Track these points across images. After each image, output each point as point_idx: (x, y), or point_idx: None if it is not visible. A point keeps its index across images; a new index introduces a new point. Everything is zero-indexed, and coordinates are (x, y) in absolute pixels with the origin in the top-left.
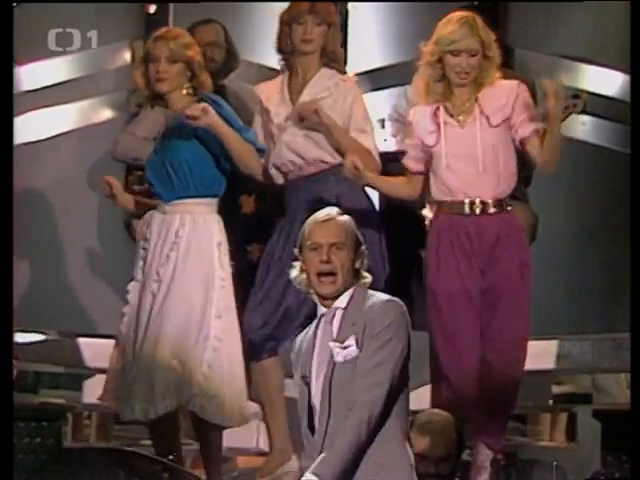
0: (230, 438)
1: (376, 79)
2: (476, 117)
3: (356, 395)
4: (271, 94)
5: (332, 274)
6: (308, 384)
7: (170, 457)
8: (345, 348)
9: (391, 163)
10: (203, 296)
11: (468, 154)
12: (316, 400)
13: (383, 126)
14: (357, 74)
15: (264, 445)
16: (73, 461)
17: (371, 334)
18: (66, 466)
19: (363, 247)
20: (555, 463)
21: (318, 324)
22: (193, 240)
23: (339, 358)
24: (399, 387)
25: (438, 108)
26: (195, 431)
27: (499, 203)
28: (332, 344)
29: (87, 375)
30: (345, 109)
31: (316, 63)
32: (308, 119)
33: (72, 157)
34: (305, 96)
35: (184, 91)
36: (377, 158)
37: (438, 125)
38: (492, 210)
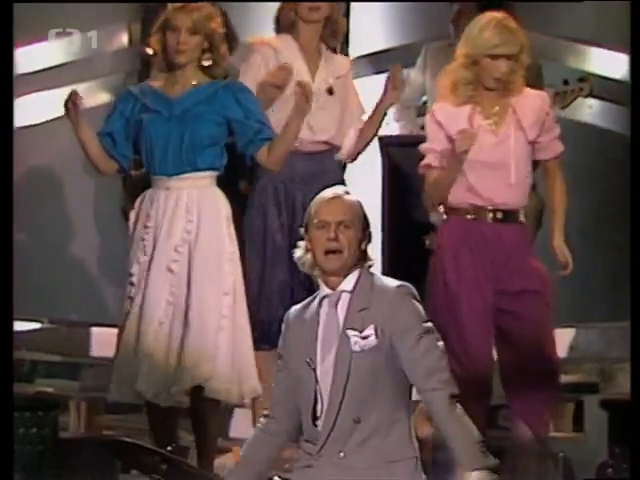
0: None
1: (378, 62)
2: (510, 126)
3: (430, 384)
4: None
5: (339, 251)
6: (314, 369)
7: (169, 448)
8: (364, 338)
9: (392, 147)
10: (216, 272)
11: (500, 163)
12: (322, 387)
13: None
14: (359, 57)
15: None
16: (70, 452)
17: (405, 326)
18: (63, 457)
19: (370, 229)
20: (562, 454)
21: (320, 306)
22: (204, 214)
23: (356, 347)
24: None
25: (471, 110)
26: (194, 416)
27: (520, 213)
28: (351, 332)
29: (84, 364)
30: (351, 89)
31: (317, 35)
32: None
33: (68, 141)
34: (323, 71)
35: (204, 62)
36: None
37: (470, 127)
38: (513, 219)
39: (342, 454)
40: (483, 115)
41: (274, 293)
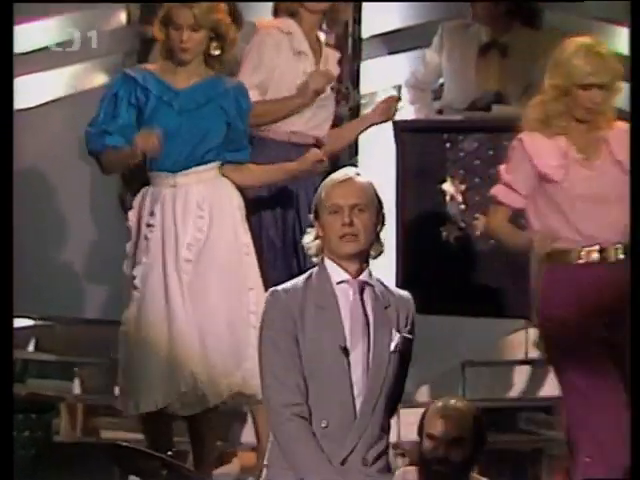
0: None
1: (392, 42)
2: (606, 159)
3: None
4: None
5: (354, 236)
6: (347, 357)
7: (169, 453)
8: (404, 339)
9: (406, 133)
10: (238, 267)
11: (600, 197)
12: (355, 379)
13: (399, 93)
14: (372, 36)
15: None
16: (64, 456)
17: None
18: (57, 462)
19: (383, 211)
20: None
21: (333, 290)
22: (215, 208)
23: (396, 347)
24: None
25: (563, 142)
26: (194, 425)
27: (622, 251)
28: (394, 331)
29: (79, 364)
30: None
31: (318, 24)
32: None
33: (64, 126)
34: (325, 56)
35: (213, 52)
36: None
37: (565, 160)
38: (617, 258)
39: (366, 463)
40: (576, 148)
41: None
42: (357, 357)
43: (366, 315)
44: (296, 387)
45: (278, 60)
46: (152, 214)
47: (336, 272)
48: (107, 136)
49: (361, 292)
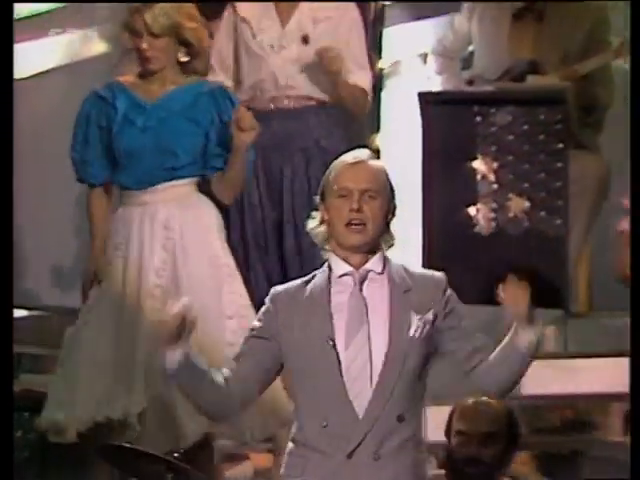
0: None
1: (417, 8)
2: None
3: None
4: (250, 5)
5: (362, 224)
6: (337, 353)
7: (175, 455)
8: (426, 323)
9: (433, 105)
10: (213, 294)
11: None
12: (351, 376)
13: (425, 62)
14: (397, 1)
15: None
16: (60, 459)
17: (450, 308)
18: (52, 464)
19: (395, 200)
20: None
21: (329, 284)
22: (187, 229)
23: (416, 333)
24: None
25: None
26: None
27: None
28: (413, 314)
29: None
30: (344, 37)
31: None
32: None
33: (60, 96)
34: (299, 15)
35: (181, 58)
36: (370, 98)
37: None
38: None
39: (378, 456)
40: None
41: (260, 280)
42: (354, 349)
43: (366, 306)
44: (231, 368)
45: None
46: (118, 234)
47: (339, 266)
48: (88, 167)
49: (362, 282)
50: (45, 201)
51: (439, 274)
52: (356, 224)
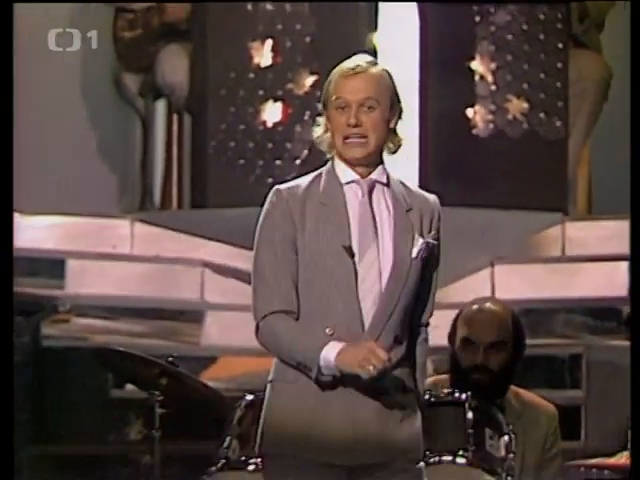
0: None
1: None
2: None
3: (426, 319)
4: None
5: (362, 137)
6: (352, 257)
7: (169, 359)
8: (429, 245)
9: (430, 4)
10: None
11: None
12: (364, 288)
13: None
14: None
15: None
16: (53, 363)
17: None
18: (46, 369)
19: (400, 103)
20: None
21: (341, 190)
22: None
23: (418, 254)
24: None
25: None
26: None
27: None
28: (417, 236)
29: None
30: None
31: None
32: None
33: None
34: None
35: None
36: None
37: None
38: None
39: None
40: None
41: None
42: (368, 261)
43: (374, 218)
44: (286, 295)
45: None
46: None
47: (344, 172)
48: None
49: (370, 193)
50: (36, 114)
51: (434, 197)
52: (356, 138)
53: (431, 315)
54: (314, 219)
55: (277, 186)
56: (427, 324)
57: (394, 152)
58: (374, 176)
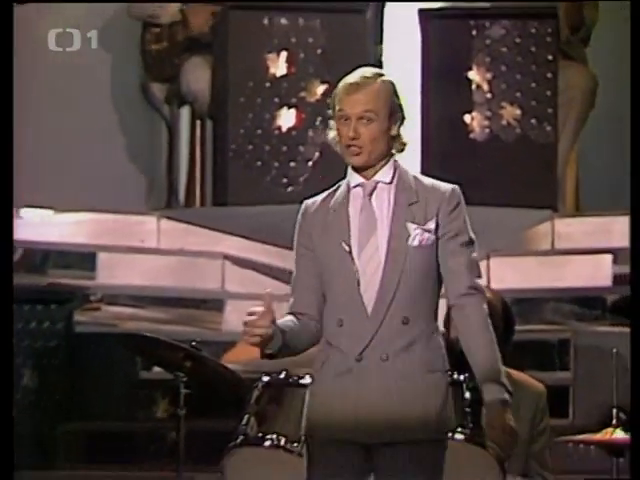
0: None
1: None
2: None
3: (466, 289)
4: None
5: (360, 148)
6: (352, 258)
7: (193, 343)
8: (426, 232)
9: (431, 20)
10: None
11: None
12: (365, 281)
13: None
14: None
15: None
16: (85, 348)
17: (457, 230)
18: (79, 353)
19: (402, 111)
20: (615, 350)
21: (348, 194)
22: None
23: (415, 242)
24: None
25: None
26: None
27: None
28: (411, 226)
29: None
30: None
31: None
32: None
33: (82, 10)
34: None
35: None
36: None
37: None
38: None
39: (386, 357)
40: None
41: None
42: (366, 255)
43: (374, 216)
44: (299, 300)
45: None
46: None
47: (352, 176)
48: None
49: (371, 193)
50: (65, 112)
51: (450, 186)
52: (354, 148)
53: (473, 280)
54: (324, 226)
55: (305, 200)
56: (474, 289)
57: (401, 151)
58: (377, 177)
